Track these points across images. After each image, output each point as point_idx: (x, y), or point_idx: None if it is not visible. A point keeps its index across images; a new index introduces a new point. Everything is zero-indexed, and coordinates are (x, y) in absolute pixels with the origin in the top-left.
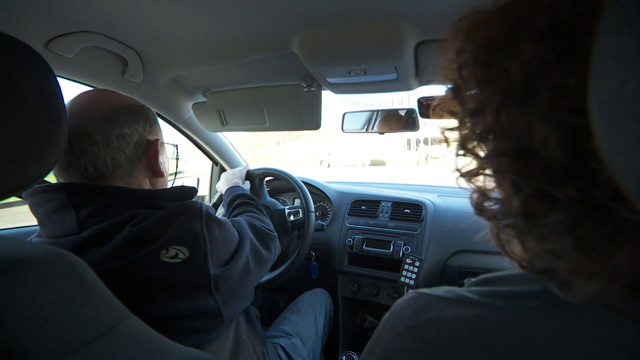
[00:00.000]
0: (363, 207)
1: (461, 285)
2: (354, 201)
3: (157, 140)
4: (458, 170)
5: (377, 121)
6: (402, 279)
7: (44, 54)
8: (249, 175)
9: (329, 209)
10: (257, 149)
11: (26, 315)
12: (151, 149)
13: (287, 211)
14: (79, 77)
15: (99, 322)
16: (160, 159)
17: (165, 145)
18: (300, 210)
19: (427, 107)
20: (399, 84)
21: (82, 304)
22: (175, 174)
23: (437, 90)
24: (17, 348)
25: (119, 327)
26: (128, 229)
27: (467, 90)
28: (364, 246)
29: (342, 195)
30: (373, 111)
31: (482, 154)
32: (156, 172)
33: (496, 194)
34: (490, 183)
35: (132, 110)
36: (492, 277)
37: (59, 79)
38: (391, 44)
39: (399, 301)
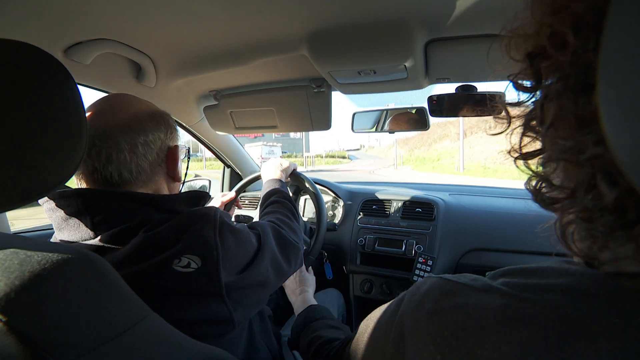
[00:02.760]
0: (374, 207)
1: None
2: (365, 201)
3: (176, 146)
4: (515, 150)
5: (387, 120)
6: (415, 277)
7: (63, 62)
8: (256, 178)
9: (340, 209)
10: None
11: (54, 311)
12: (171, 155)
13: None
14: (95, 83)
15: (122, 319)
16: (179, 164)
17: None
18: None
19: (438, 105)
20: (409, 83)
21: (106, 301)
22: (185, 174)
23: (447, 88)
24: (44, 342)
25: (140, 324)
26: (142, 235)
27: (561, 55)
28: (376, 246)
29: (353, 194)
30: (383, 110)
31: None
32: (174, 177)
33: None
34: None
35: (155, 117)
36: (519, 269)
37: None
38: (400, 43)
39: (419, 284)
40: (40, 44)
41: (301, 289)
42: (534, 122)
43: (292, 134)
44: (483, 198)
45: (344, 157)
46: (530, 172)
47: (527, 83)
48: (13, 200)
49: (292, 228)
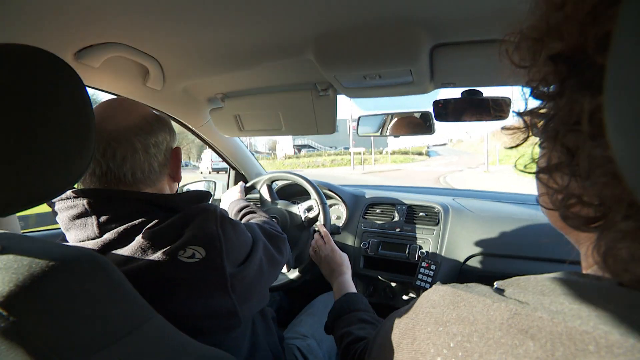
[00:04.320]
0: (378, 211)
1: None
2: (369, 204)
3: (178, 147)
4: (534, 162)
5: (392, 124)
6: (418, 282)
7: (73, 65)
8: (253, 186)
9: (343, 212)
10: None
11: (60, 312)
12: (174, 156)
13: (300, 208)
14: (103, 85)
15: (126, 321)
16: (180, 164)
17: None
18: (314, 204)
19: (443, 109)
20: (414, 87)
21: (111, 303)
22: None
23: (452, 93)
24: (51, 343)
25: (145, 325)
26: (146, 231)
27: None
28: (379, 249)
29: (357, 198)
30: (388, 114)
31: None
32: (175, 177)
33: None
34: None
35: (159, 119)
36: (526, 280)
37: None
38: (406, 48)
39: (428, 293)
40: (53, 46)
41: (339, 270)
42: (558, 133)
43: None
44: (488, 203)
45: (419, 154)
46: (554, 187)
47: (544, 88)
48: (20, 202)
49: (271, 224)
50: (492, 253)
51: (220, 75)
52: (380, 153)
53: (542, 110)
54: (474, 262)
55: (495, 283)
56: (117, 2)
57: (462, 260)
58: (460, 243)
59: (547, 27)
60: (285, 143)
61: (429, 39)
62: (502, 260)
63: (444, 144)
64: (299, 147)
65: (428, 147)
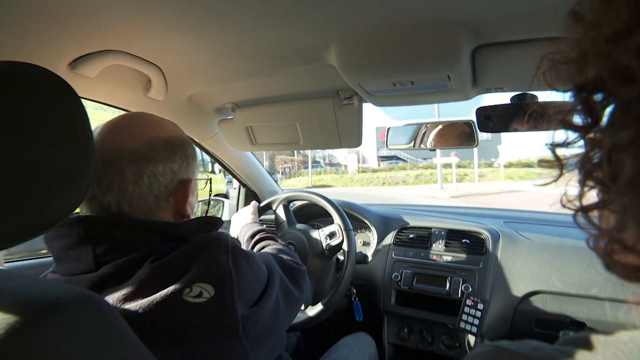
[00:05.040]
0: (412, 236)
1: (543, 337)
2: (401, 229)
3: (190, 180)
4: (569, 201)
5: (427, 135)
6: (462, 324)
7: (68, 76)
8: (268, 206)
9: (371, 238)
10: None
11: (56, 358)
12: (182, 189)
13: (321, 233)
14: (101, 97)
15: None
16: (190, 199)
17: (198, 181)
18: (337, 230)
19: (488, 118)
20: (453, 94)
21: (110, 348)
22: (207, 211)
23: (498, 98)
24: None
25: None
26: (148, 265)
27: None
28: (414, 283)
29: (387, 221)
30: (421, 124)
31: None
32: (182, 213)
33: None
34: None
35: (171, 145)
36: (596, 339)
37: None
38: (443, 51)
39: (472, 355)
40: (45, 56)
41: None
42: (595, 172)
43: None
44: (548, 227)
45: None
46: (596, 229)
47: (578, 120)
48: (16, 235)
49: (289, 254)
50: (557, 291)
51: (230, 84)
52: (490, 166)
53: (578, 143)
54: (533, 302)
55: (561, 333)
56: (114, 6)
57: (517, 298)
58: (515, 277)
59: (574, 53)
60: (368, 153)
61: (470, 40)
62: (570, 300)
63: None
64: (385, 159)
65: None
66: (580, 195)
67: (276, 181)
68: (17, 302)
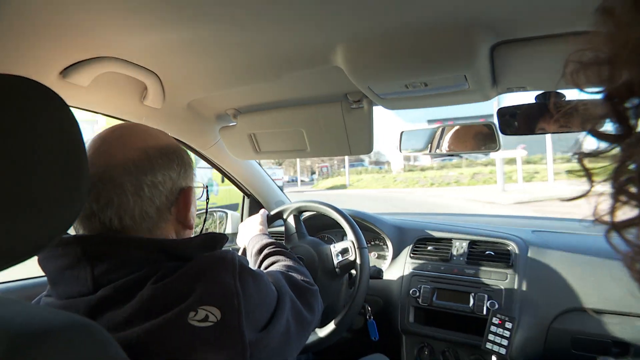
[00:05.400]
0: (430, 248)
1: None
2: (418, 239)
3: (190, 188)
4: (599, 216)
5: (445, 139)
6: (489, 345)
7: (59, 85)
8: (278, 215)
9: (386, 250)
10: None
11: None
12: (183, 198)
13: (333, 250)
14: (94, 106)
15: None
16: (191, 208)
17: (195, 189)
18: (349, 247)
19: (511, 119)
20: (471, 95)
21: None
22: (205, 220)
23: (521, 98)
24: None
25: None
26: (150, 287)
27: None
28: (433, 299)
29: (402, 231)
30: (438, 127)
31: None
32: (185, 223)
33: None
34: None
35: (167, 153)
36: None
37: (73, 109)
38: (459, 50)
39: None
40: (34, 66)
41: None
42: (629, 186)
43: None
44: (582, 237)
45: None
46: (630, 247)
47: (610, 128)
48: (9, 257)
49: (300, 271)
50: (596, 308)
51: (232, 89)
52: (569, 161)
53: (609, 153)
54: (568, 320)
55: (600, 358)
56: (104, 10)
57: (550, 316)
58: (546, 293)
59: (604, 54)
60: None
61: (489, 37)
62: (609, 318)
63: None
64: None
65: None
66: (612, 211)
67: (312, 181)
68: (5, 332)
